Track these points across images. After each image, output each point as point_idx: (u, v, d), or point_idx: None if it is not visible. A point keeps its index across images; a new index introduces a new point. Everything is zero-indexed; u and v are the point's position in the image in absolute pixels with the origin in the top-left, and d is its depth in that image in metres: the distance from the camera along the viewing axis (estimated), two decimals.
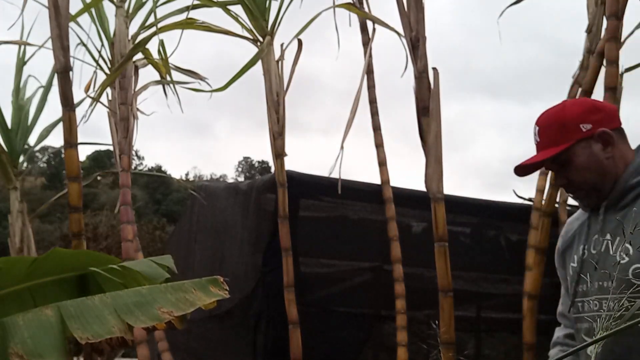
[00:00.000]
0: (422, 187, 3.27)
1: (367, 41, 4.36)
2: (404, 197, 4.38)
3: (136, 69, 4.46)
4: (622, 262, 1.47)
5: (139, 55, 4.40)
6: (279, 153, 3.92)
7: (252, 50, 4.02)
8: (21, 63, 5.02)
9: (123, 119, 4.23)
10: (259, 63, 3.98)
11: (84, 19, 4.32)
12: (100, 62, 4.36)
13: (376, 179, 4.37)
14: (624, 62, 4.45)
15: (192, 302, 1.58)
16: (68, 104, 3.29)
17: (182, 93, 4.38)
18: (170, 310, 1.52)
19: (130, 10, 4.28)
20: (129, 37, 4.25)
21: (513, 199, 4.92)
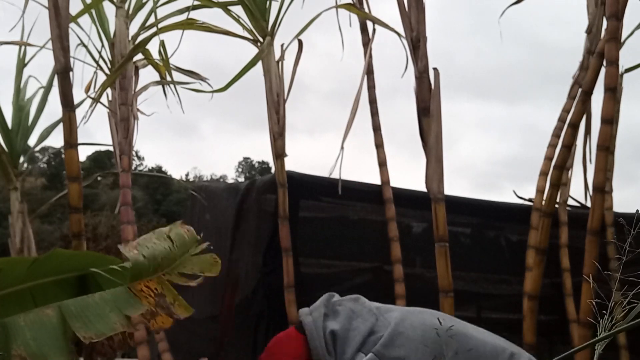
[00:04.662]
0: (416, 188, 3.28)
1: (367, 41, 4.36)
2: (404, 197, 4.38)
3: (136, 69, 4.46)
4: None
5: (139, 56, 4.40)
6: (279, 153, 3.93)
7: (243, 50, 4.03)
8: (22, 64, 5.02)
9: (123, 120, 4.23)
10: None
11: (84, 20, 4.33)
12: (101, 62, 4.36)
13: (370, 180, 4.40)
14: (623, 62, 4.47)
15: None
16: (68, 104, 3.29)
17: (169, 93, 4.39)
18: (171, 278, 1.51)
19: (131, 11, 4.28)
20: (129, 38, 4.25)
21: (513, 200, 4.93)
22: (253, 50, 4.00)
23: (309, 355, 1.49)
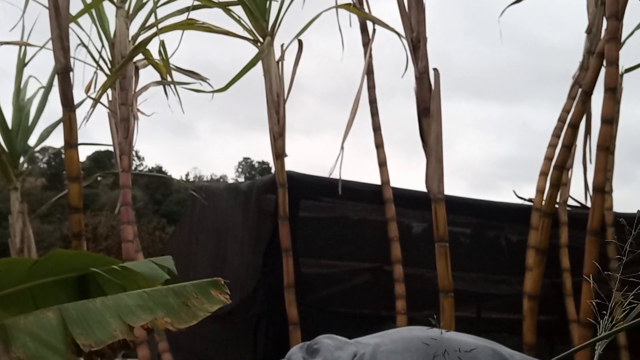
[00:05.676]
0: (415, 187, 3.28)
1: (367, 42, 4.36)
2: (404, 197, 4.38)
3: (136, 69, 4.46)
4: None
5: (140, 56, 4.40)
6: (279, 153, 3.93)
7: (241, 50, 4.03)
8: (22, 64, 5.02)
9: (123, 120, 4.23)
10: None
11: (85, 20, 4.33)
12: (101, 62, 4.37)
13: (370, 180, 4.40)
14: (623, 62, 4.47)
15: (194, 314, 1.58)
16: (68, 104, 3.29)
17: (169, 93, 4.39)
18: (172, 321, 1.52)
19: (131, 11, 4.28)
20: (130, 38, 4.25)
21: (512, 199, 4.93)
22: (253, 50, 4.01)
23: None
